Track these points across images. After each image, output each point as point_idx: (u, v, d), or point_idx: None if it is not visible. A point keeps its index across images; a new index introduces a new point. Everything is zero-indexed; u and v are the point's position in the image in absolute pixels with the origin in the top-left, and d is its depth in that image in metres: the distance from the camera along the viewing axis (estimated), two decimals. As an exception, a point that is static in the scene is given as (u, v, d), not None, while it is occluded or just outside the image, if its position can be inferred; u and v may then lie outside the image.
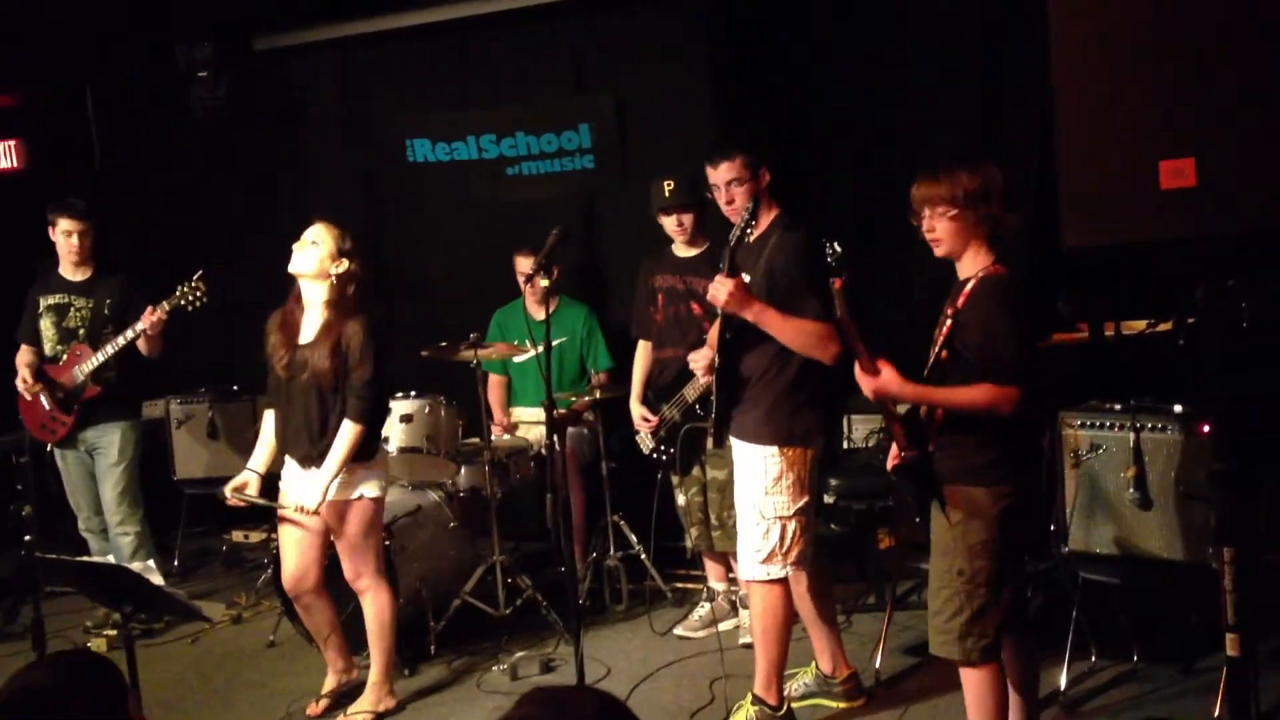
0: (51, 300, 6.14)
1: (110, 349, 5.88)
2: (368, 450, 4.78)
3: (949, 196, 3.59)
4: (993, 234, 3.63)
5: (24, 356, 6.11)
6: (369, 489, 4.80)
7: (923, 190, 3.64)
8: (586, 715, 1.90)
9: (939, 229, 3.63)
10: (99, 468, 6.16)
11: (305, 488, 4.74)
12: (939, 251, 3.68)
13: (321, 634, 5.04)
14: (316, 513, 4.67)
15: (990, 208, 3.58)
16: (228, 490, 4.89)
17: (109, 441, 6.12)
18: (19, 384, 6.05)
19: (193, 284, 5.71)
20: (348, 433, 4.68)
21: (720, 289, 4.13)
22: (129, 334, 5.81)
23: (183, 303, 5.70)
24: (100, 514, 6.23)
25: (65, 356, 6.04)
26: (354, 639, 5.20)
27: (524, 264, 6.31)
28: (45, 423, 6.08)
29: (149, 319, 5.72)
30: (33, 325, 6.16)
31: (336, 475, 4.67)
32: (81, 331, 6.05)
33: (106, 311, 6.06)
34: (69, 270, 6.14)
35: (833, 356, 4.22)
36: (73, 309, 6.10)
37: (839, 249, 4.14)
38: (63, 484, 6.29)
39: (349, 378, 4.71)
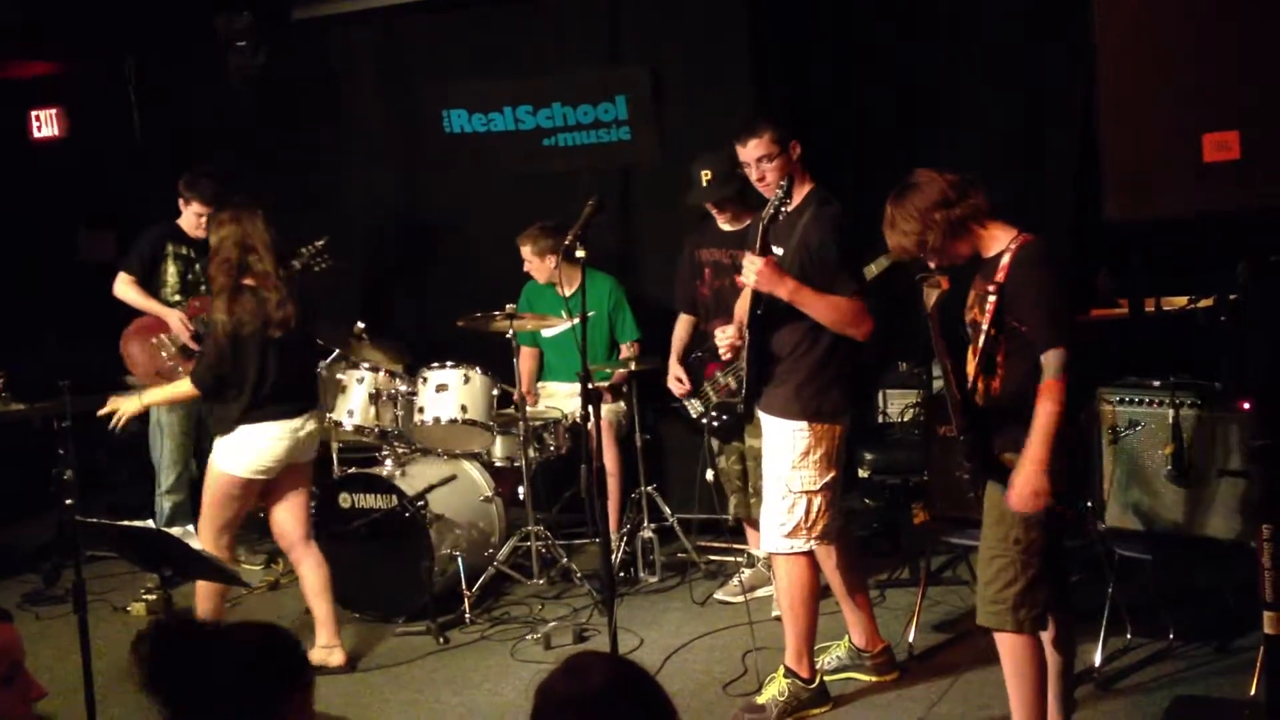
0: (181, 250, 6.36)
1: None
2: (220, 423, 4.94)
3: (908, 243, 3.64)
4: (988, 216, 3.62)
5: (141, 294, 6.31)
6: (219, 459, 4.94)
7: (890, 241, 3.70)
8: (596, 682, 1.96)
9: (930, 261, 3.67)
10: None
11: None
12: (943, 262, 3.70)
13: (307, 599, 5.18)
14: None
15: (952, 218, 3.58)
16: None
17: None
18: (179, 322, 6.21)
19: (318, 247, 5.90)
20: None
21: (750, 269, 4.12)
22: None
23: (310, 265, 5.93)
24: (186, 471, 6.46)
25: (185, 308, 6.25)
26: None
27: (526, 250, 6.31)
28: (161, 370, 6.19)
29: None
30: (152, 266, 6.34)
31: (151, 396, 5.15)
32: (202, 287, 6.22)
33: None
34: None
35: (866, 333, 4.22)
36: (197, 264, 6.33)
37: (944, 286, 4.18)
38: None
39: None
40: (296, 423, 4.98)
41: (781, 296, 4.16)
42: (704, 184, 5.44)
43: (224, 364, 4.82)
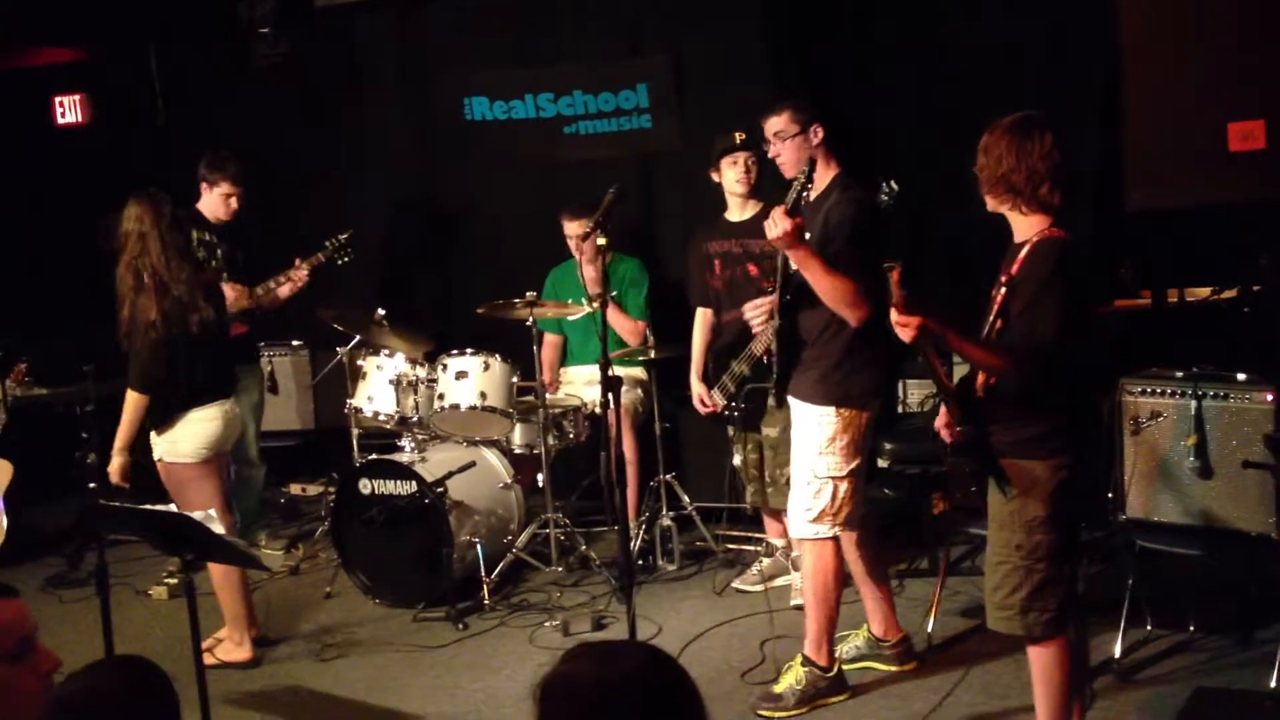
0: (205, 236, 6.25)
1: (261, 290, 6.16)
2: (160, 418, 4.95)
3: (980, 161, 3.52)
4: (1043, 202, 3.48)
5: None
6: (165, 454, 4.96)
7: (980, 143, 3.55)
8: (634, 668, 1.89)
9: (980, 182, 3.56)
10: (243, 406, 6.09)
11: None
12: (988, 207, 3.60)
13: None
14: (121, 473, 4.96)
15: (1021, 180, 3.44)
16: None
17: (251, 382, 6.33)
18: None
19: (342, 240, 5.96)
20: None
21: (777, 224, 4.01)
22: (281, 278, 6.17)
23: (334, 257, 6.06)
24: None
25: None
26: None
27: (571, 227, 6.28)
28: None
29: (300, 271, 6.13)
30: None
31: (122, 438, 4.91)
32: (224, 274, 6.16)
33: (239, 260, 6.26)
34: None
35: (859, 319, 4.17)
36: (219, 250, 6.25)
37: (895, 186, 4.11)
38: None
39: None
40: (227, 405, 5.07)
41: (792, 260, 4.15)
42: (737, 140, 5.42)
43: (158, 363, 4.84)
